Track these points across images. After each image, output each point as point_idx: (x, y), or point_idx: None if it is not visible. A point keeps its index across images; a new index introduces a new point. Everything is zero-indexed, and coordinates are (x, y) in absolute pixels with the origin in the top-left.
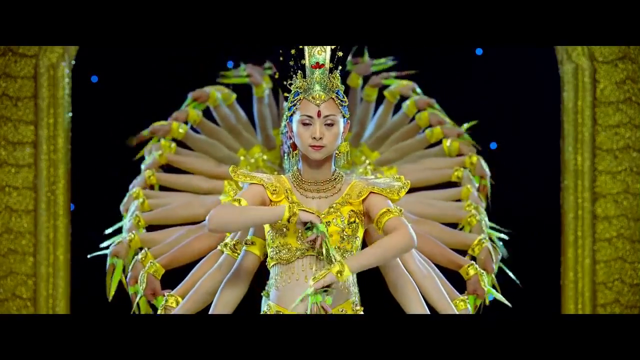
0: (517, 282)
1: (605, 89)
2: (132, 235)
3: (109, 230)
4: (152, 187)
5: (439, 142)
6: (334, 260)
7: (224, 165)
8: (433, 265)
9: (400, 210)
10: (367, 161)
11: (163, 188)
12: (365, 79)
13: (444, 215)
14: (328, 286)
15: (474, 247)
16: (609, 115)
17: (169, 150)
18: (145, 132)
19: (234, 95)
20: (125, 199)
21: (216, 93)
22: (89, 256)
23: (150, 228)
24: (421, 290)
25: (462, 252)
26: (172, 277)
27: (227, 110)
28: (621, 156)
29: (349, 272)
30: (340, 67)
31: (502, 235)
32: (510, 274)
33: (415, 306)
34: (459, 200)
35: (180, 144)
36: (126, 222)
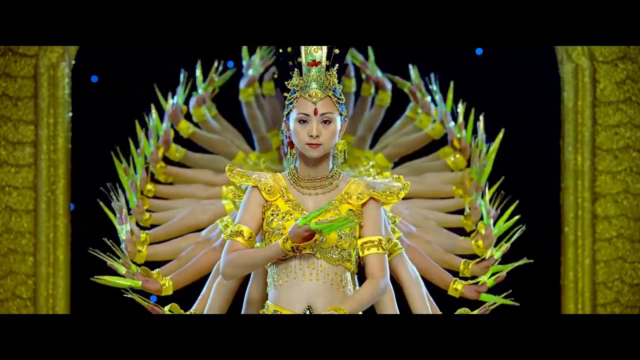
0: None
1: (605, 89)
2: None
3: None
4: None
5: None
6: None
7: (222, 174)
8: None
9: (388, 241)
10: (371, 163)
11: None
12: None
13: (434, 193)
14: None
15: (462, 270)
16: (609, 115)
17: (174, 155)
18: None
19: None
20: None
21: (188, 123)
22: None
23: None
24: (407, 296)
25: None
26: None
27: (214, 124)
28: (621, 156)
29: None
30: (337, 65)
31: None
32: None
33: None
34: (460, 212)
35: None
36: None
